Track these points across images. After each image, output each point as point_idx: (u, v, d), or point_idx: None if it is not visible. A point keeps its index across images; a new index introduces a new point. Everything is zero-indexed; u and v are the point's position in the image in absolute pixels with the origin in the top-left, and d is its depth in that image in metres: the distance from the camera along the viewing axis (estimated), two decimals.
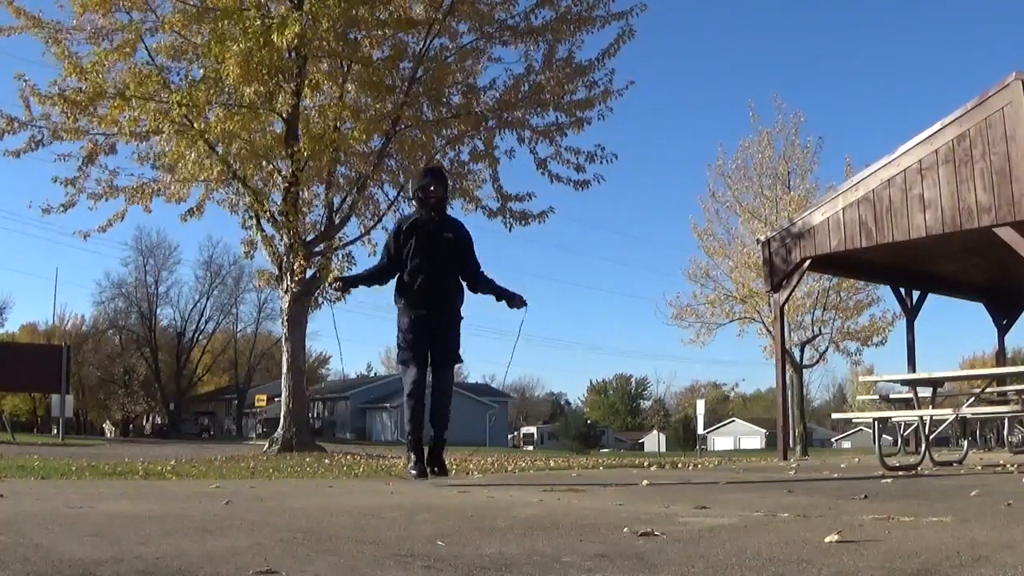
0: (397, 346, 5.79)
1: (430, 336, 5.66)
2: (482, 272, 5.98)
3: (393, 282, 5.82)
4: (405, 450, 5.99)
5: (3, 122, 13.50)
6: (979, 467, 7.66)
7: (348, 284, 6.23)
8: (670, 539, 2.78)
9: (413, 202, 5.99)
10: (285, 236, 14.03)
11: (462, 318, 5.85)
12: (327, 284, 13.87)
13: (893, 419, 9.28)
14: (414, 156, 14.27)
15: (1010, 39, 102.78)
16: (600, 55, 14.37)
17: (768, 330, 23.38)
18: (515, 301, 5.91)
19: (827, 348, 25.80)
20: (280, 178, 14.16)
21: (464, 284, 5.91)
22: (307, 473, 8.14)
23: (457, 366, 5.96)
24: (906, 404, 9.56)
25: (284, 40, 12.16)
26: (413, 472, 5.71)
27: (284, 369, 14.54)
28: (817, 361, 26.58)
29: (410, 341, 5.64)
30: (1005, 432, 10.84)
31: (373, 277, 5.91)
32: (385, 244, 5.90)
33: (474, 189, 14.95)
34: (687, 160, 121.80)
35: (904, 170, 11.61)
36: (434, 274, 5.67)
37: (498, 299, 5.93)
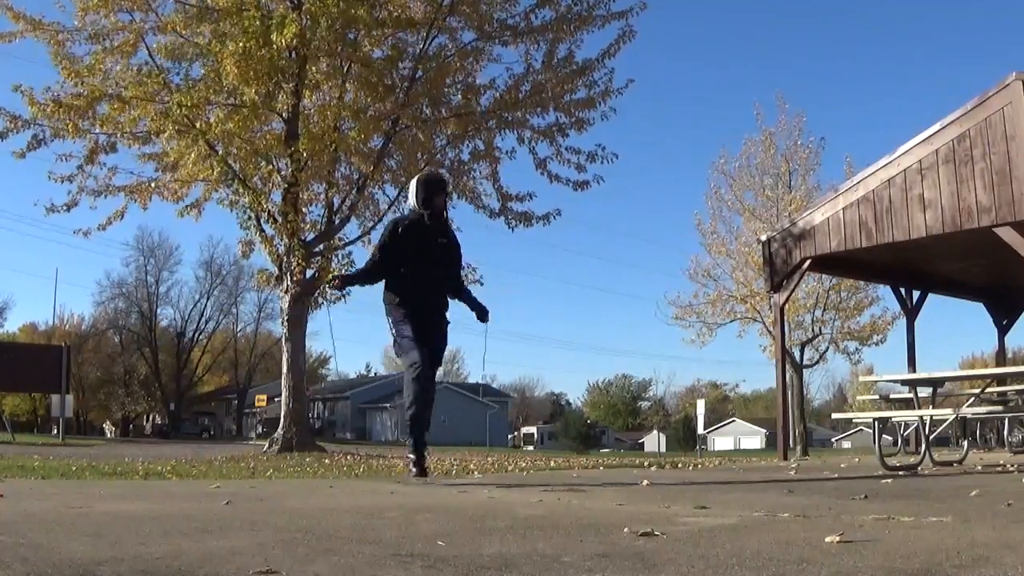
0: (393, 337, 5.76)
1: (424, 331, 5.67)
2: (463, 282, 6.30)
3: (382, 283, 5.85)
4: (408, 447, 5.98)
5: (7, 121, 13.48)
6: (979, 467, 7.66)
7: (346, 282, 6.30)
8: (670, 539, 2.78)
9: (412, 204, 5.88)
10: (285, 236, 14.02)
11: (448, 322, 5.92)
12: (326, 284, 13.87)
13: (893, 419, 9.27)
14: (414, 156, 14.26)
15: (1011, 39, 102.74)
16: (600, 55, 14.34)
17: (768, 330, 23.38)
18: (482, 315, 6.10)
19: (827, 348, 25.87)
20: (280, 178, 14.14)
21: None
22: (307, 473, 8.13)
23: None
24: (906, 404, 9.55)
25: (283, 40, 12.16)
26: (414, 470, 5.74)
27: (284, 369, 14.53)
28: (817, 361, 26.65)
29: (409, 327, 5.61)
30: (1005, 432, 10.82)
31: (368, 275, 5.90)
32: (380, 242, 5.85)
33: (475, 189, 14.95)
34: (686, 161, 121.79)
35: (904, 170, 11.61)
36: (430, 277, 5.76)
37: (471, 308, 6.12)
